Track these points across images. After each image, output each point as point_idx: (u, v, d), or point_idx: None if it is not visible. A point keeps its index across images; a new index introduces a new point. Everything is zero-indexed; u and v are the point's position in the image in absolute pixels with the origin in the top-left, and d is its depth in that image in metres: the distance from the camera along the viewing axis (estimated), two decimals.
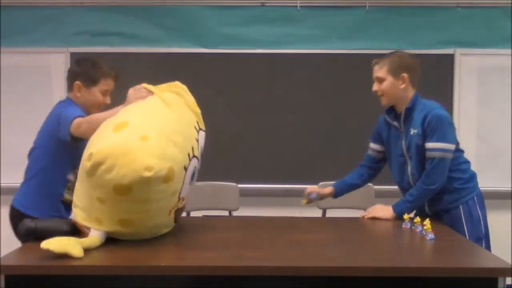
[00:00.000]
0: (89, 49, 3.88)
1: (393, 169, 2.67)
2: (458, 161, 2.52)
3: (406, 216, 2.37)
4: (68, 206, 2.38)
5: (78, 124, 2.23)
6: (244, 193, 3.54)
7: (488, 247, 2.48)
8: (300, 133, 3.95)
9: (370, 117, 3.87)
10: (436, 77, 3.85)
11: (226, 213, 3.47)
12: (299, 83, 3.94)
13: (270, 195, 3.95)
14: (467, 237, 2.40)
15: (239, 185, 3.52)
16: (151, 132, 1.93)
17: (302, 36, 3.93)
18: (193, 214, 3.42)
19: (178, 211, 2.17)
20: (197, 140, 2.16)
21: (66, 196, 2.40)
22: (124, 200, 1.88)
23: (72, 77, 2.47)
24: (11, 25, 3.92)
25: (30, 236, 1.98)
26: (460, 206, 2.49)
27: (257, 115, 3.95)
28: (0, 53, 3.90)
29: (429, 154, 2.45)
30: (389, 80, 2.52)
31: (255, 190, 3.86)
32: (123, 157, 1.82)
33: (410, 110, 2.53)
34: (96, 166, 1.84)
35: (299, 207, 3.72)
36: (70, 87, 2.48)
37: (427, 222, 2.16)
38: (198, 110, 2.27)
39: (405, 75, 2.52)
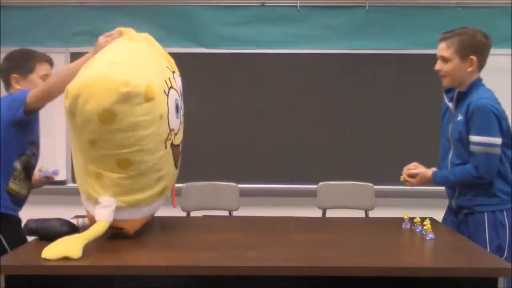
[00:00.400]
0: (89, 49, 3.81)
1: (440, 149, 2.48)
2: (501, 162, 2.27)
3: (406, 216, 2.37)
4: (13, 197, 2.30)
5: (40, 87, 2.15)
6: (244, 193, 3.53)
7: (509, 258, 2.21)
8: (300, 133, 3.94)
9: (370, 117, 3.90)
10: (436, 77, 3.83)
11: (226, 213, 3.47)
12: (299, 83, 3.94)
13: (270, 195, 3.95)
14: (487, 244, 2.24)
15: (239, 185, 3.51)
16: (122, 57, 1.93)
17: (302, 36, 3.93)
18: (193, 214, 3.41)
19: (176, 152, 2.15)
20: (173, 77, 2.15)
21: (11, 185, 2.28)
22: (114, 131, 1.86)
23: (6, 73, 2.38)
24: (11, 25, 3.91)
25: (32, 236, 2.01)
26: (485, 213, 2.27)
27: (257, 115, 3.95)
28: (0, 53, 3.89)
29: (471, 147, 2.25)
30: (455, 62, 2.29)
31: (255, 190, 3.85)
32: (98, 83, 1.82)
33: (464, 95, 2.32)
34: (74, 101, 1.83)
35: (299, 207, 3.74)
36: (7, 84, 2.38)
37: (427, 222, 2.15)
38: (171, 58, 2.26)
39: (473, 57, 2.27)
